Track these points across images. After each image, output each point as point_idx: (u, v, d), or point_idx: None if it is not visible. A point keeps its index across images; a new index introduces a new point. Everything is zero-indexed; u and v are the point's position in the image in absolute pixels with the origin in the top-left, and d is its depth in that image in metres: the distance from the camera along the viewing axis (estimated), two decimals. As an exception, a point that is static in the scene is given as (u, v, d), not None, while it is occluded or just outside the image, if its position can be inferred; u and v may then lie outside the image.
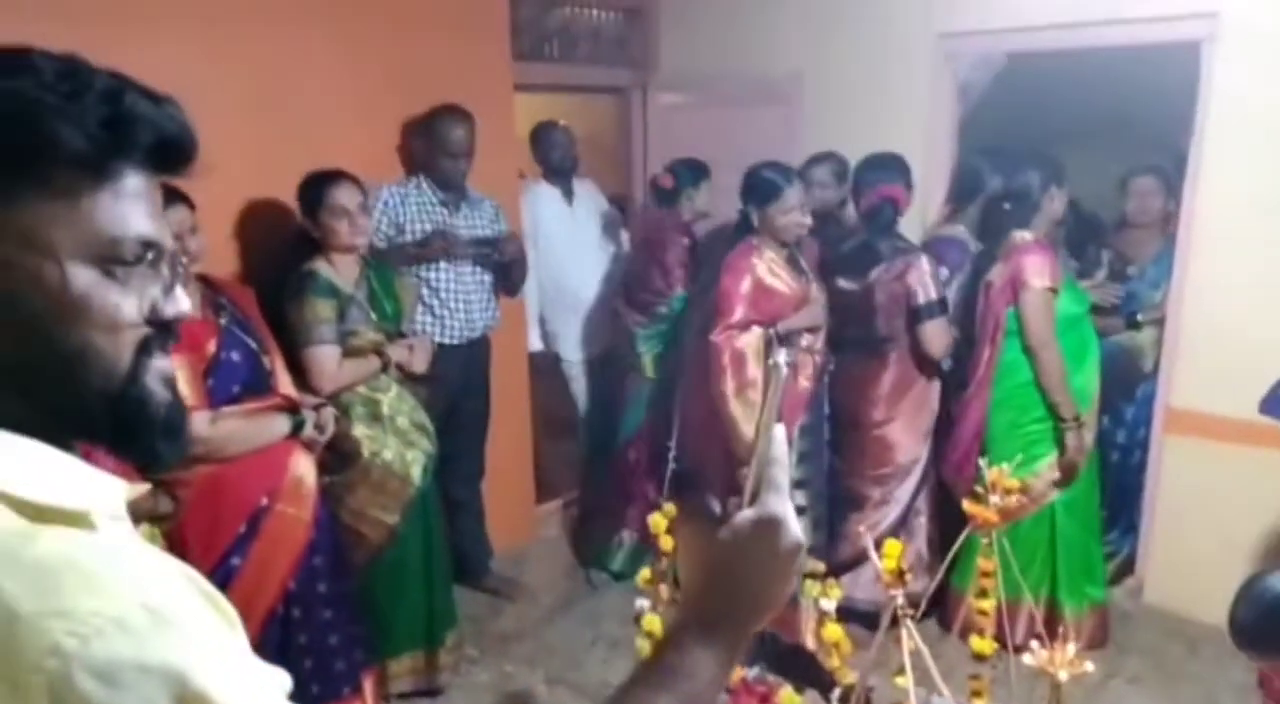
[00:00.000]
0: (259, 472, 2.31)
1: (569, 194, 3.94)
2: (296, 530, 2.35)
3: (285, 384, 2.45)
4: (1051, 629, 2.80)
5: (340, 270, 2.66)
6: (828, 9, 3.70)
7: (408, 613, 2.79)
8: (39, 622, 0.51)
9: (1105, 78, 3.89)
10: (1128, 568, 3.46)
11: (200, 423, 2.16)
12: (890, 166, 3.03)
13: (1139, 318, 3.33)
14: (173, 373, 0.67)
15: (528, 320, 3.83)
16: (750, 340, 2.73)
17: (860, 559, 2.81)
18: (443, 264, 3.14)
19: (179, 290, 0.67)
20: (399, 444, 2.72)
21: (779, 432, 0.73)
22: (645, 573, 2.28)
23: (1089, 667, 1.79)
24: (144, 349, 0.64)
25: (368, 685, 2.56)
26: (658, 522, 2.26)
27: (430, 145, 3.09)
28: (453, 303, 3.19)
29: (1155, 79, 3.38)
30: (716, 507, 0.74)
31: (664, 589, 2.27)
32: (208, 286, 2.37)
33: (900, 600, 1.92)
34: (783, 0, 3.79)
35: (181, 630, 0.54)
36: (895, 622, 1.97)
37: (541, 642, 3.21)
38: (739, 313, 2.73)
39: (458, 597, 3.07)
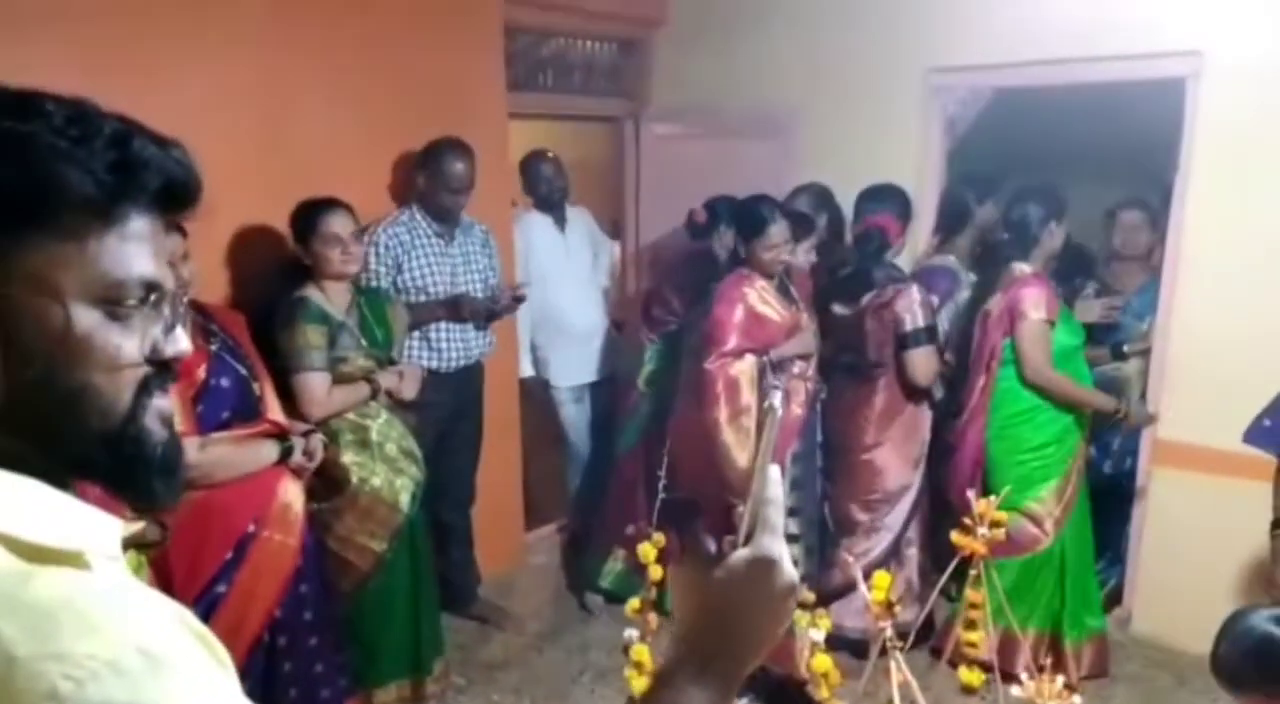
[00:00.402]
0: (247, 497, 2.31)
1: (561, 221, 3.96)
2: (284, 557, 2.34)
3: (275, 410, 2.45)
4: (1058, 661, 2.82)
5: (331, 297, 2.67)
6: (820, 44, 3.76)
7: (394, 641, 2.77)
8: (36, 665, 0.51)
9: (1092, 111, 3.95)
10: (1115, 598, 3.47)
11: (189, 449, 2.15)
12: (883, 197, 3.08)
13: (1125, 349, 3.36)
14: (171, 412, 0.68)
15: (519, 346, 3.84)
16: (744, 368, 2.75)
17: (850, 587, 2.81)
18: (441, 291, 3.15)
19: (179, 330, 0.68)
20: (387, 471, 2.71)
21: (774, 472, 0.74)
22: (634, 603, 2.27)
23: (1076, 700, 1.79)
24: (144, 389, 0.65)
25: (353, 714, 2.54)
26: (647, 551, 2.26)
27: (431, 179, 3.10)
28: (449, 330, 3.20)
29: (1142, 113, 3.43)
30: (711, 545, 0.74)
31: (653, 619, 2.26)
32: (199, 313, 2.37)
33: (889, 632, 1.92)
34: (776, 34, 3.85)
35: (175, 673, 0.54)
36: (884, 652, 1.97)
37: (529, 671, 3.19)
38: (732, 341, 2.76)
39: (445, 624, 3.05)
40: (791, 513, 2.89)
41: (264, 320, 2.60)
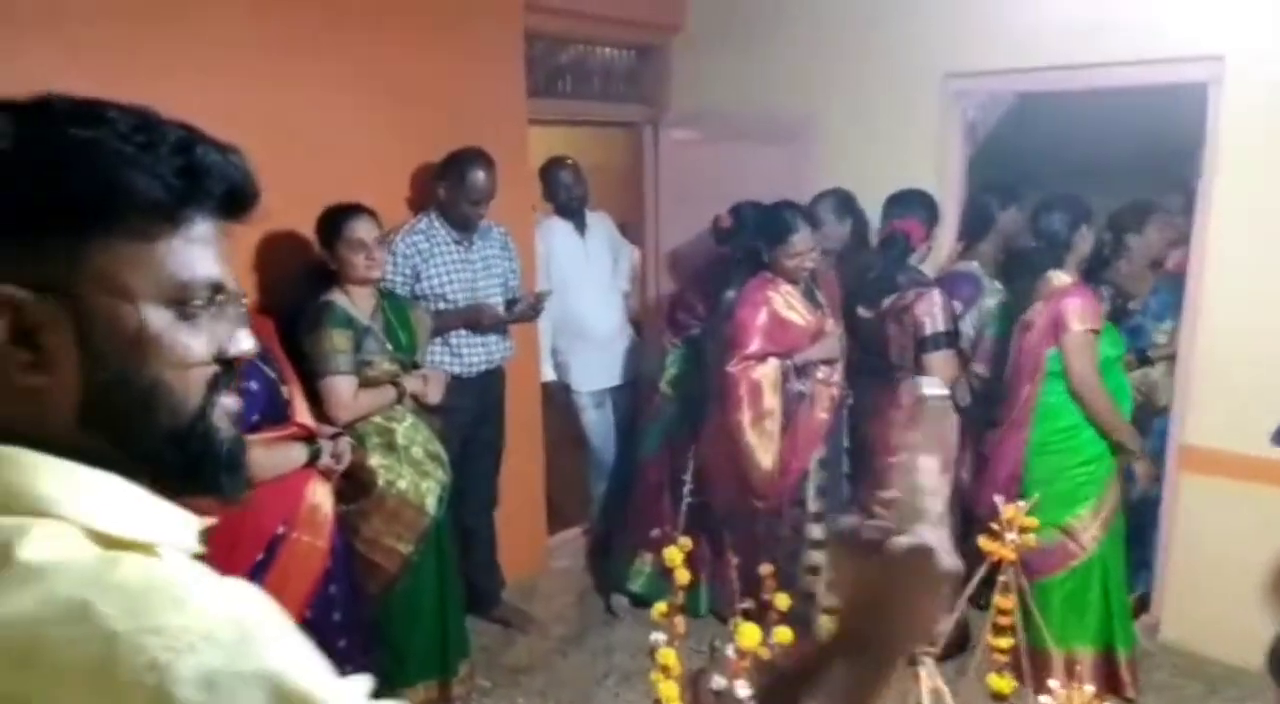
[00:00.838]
0: (276, 500, 2.33)
1: (581, 227, 3.98)
2: (313, 558, 2.36)
3: (303, 413, 2.47)
4: (1112, 677, 2.80)
5: (357, 302, 2.70)
6: (839, 48, 3.76)
7: (422, 642, 2.79)
8: (135, 639, 0.53)
9: (1113, 116, 3.94)
10: (1143, 606, 3.44)
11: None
12: (909, 202, 3.08)
13: (1149, 355, 3.34)
14: (235, 409, 0.69)
15: (540, 351, 3.85)
16: (767, 371, 2.76)
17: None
18: (461, 298, 3.17)
19: (242, 330, 0.70)
20: (414, 474, 2.73)
21: (929, 461, 0.76)
22: (661, 606, 2.27)
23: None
24: (212, 387, 0.67)
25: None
26: (674, 555, 2.26)
27: (452, 189, 3.12)
28: (469, 335, 3.22)
29: (1164, 117, 3.42)
30: (870, 532, 0.76)
31: (680, 622, 2.26)
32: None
33: (918, 636, 1.91)
34: (795, 39, 3.86)
35: (267, 638, 0.57)
36: (913, 660, 1.96)
37: (554, 674, 3.20)
38: (755, 344, 2.77)
39: (469, 627, 3.07)
40: (816, 518, 2.89)
41: (291, 325, 2.62)
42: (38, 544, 0.57)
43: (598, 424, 4.04)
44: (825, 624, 2.35)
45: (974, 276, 3.25)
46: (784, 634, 2.03)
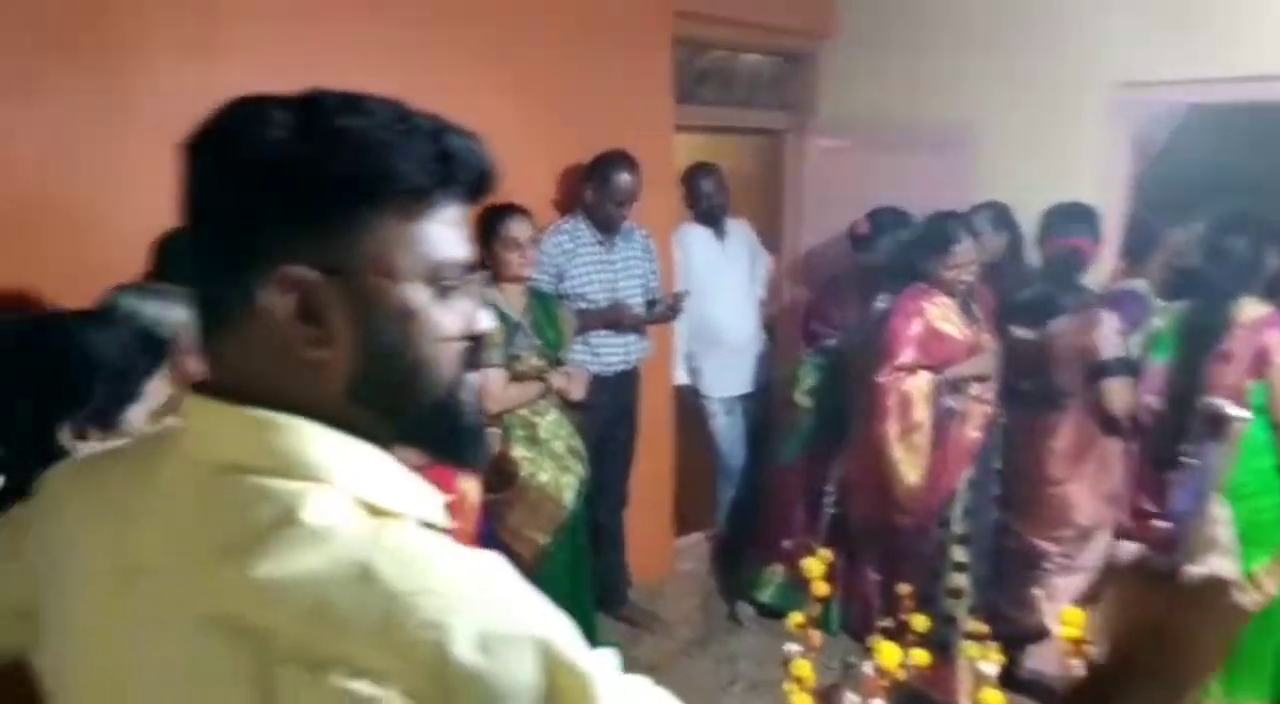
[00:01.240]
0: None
1: (721, 234, 3.98)
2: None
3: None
4: None
5: (509, 298, 2.79)
6: (998, 56, 3.64)
7: (555, 634, 2.84)
8: (414, 599, 0.57)
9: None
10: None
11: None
12: (1078, 216, 2.94)
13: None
14: (479, 384, 0.73)
15: (674, 354, 3.88)
16: (919, 384, 2.69)
17: (1039, 627, 2.69)
18: (601, 298, 3.23)
19: (483, 309, 0.73)
20: (554, 467, 2.80)
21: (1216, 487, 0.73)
22: (798, 617, 2.25)
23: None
24: (463, 362, 0.70)
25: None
26: (813, 566, 2.23)
27: (598, 191, 3.19)
28: (608, 335, 3.27)
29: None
30: (1161, 563, 0.73)
31: (815, 635, 2.23)
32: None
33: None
34: (949, 46, 3.76)
35: (533, 606, 0.61)
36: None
37: (681, 676, 3.20)
38: (906, 355, 2.70)
39: (597, 623, 3.11)
40: (962, 541, 2.80)
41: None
42: (318, 508, 0.61)
43: (727, 430, 4.03)
44: (968, 650, 2.26)
45: (1141, 297, 3.08)
46: (921, 656, 1.99)
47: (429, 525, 0.66)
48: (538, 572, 2.77)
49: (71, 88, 2.30)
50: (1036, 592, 2.55)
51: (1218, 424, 0.72)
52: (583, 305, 3.21)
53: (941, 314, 2.76)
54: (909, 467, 2.66)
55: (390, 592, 0.57)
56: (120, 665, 0.66)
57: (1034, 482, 2.96)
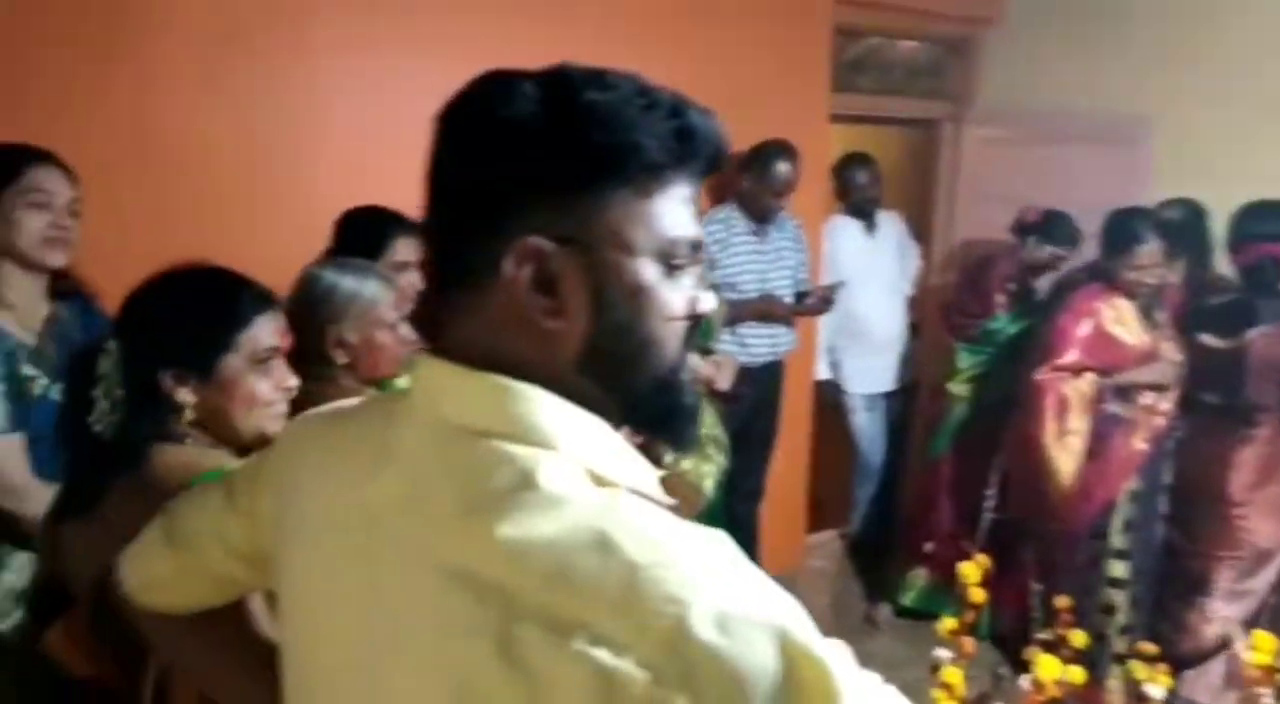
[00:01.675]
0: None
1: (871, 227, 3.88)
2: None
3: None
4: None
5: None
6: (1182, 42, 3.40)
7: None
8: (655, 571, 0.57)
9: None
10: None
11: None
12: (1276, 218, 2.71)
13: None
14: (696, 365, 0.73)
15: (817, 348, 3.81)
16: (1080, 387, 2.55)
17: (1204, 653, 2.51)
18: (753, 288, 3.20)
19: (706, 290, 0.72)
20: (696, 455, 2.79)
21: None
22: (950, 623, 2.17)
23: None
24: (686, 341, 0.70)
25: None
26: (969, 572, 2.15)
27: (756, 180, 3.16)
28: (756, 326, 3.25)
29: None
30: None
31: (968, 642, 2.15)
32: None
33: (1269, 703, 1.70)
34: (1129, 32, 3.53)
35: (769, 591, 0.60)
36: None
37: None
38: (1071, 355, 2.56)
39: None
40: (1120, 555, 2.64)
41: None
42: (554, 474, 0.62)
43: (867, 427, 3.94)
44: (1135, 670, 2.13)
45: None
46: (1076, 674, 1.90)
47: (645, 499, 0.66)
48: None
49: (248, 81, 2.43)
50: (1208, 619, 2.38)
51: None
52: (733, 296, 3.19)
53: (1116, 317, 2.60)
54: (1061, 471, 2.52)
55: (630, 562, 0.57)
56: (362, 605, 0.68)
57: (1211, 500, 2.75)
